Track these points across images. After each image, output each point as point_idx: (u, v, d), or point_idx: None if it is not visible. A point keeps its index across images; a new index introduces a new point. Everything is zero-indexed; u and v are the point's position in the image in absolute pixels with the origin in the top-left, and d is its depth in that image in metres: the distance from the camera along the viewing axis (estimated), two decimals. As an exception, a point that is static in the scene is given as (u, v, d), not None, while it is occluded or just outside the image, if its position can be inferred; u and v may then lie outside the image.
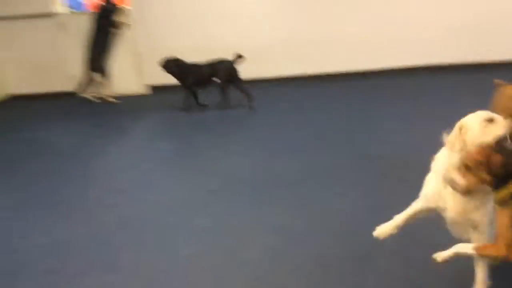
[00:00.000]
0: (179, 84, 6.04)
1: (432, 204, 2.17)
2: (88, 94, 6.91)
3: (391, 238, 2.29)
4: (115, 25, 6.61)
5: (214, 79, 5.84)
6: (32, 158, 4.77)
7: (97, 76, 6.64)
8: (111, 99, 6.73)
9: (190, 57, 6.82)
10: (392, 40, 6.78)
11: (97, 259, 2.86)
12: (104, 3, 6.56)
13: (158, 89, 7.20)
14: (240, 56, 5.75)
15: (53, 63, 7.11)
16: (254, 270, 2.63)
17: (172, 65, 5.87)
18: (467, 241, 2.09)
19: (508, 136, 1.99)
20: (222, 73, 5.75)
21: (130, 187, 3.89)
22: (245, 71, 7.11)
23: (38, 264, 2.85)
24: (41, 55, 7.12)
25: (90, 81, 6.77)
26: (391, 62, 6.87)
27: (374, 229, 2.31)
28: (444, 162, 2.09)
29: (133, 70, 7.13)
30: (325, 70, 6.98)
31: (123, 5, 7.04)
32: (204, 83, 5.94)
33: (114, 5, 6.61)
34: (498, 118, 2.02)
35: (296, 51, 6.98)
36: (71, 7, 7.46)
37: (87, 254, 2.93)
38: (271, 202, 3.41)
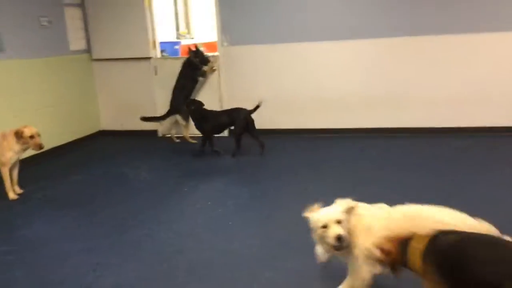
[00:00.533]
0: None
1: None
2: (171, 134, 7.23)
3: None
4: (202, 73, 6.94)
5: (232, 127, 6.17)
6: (109, 193, 4.99)
7: (180, 118, 6.91)
8: (190, 140, 6.95)
9: (271, 108, 6.97)
10: (478, 99, 6.47)
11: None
12: (193, 50, 6.89)
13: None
14: (258, 106, 6.00)
15: (142, 102, 7.52)
16: None
17: (196, 107, 6.15)
18: None
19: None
20: (239, 122, 5.99)
21: (202, 232, 3.91)
22: (325, 121, 7.12)
23: (108, 303, 2.90)
24: (133, 95, 7.57)
25: (173, 122, 7.08)
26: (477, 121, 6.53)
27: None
28: None
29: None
30: (402, 125, 6.79)
31: (211, 53, 7.38)
32: (220, 131, 6.29)
33: (202, 53, 6.93)
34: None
35: (373, 105, 6.88)
36: (165, 52, 7.95)
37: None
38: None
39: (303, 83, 7.05)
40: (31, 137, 4.74)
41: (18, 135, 4.74)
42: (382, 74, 6.80)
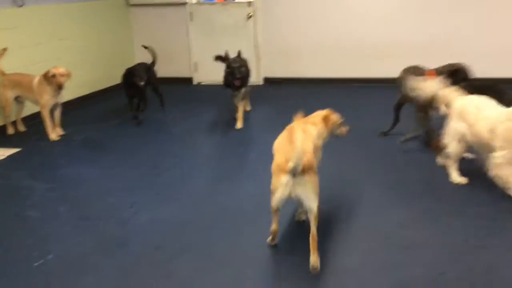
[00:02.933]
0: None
1: None
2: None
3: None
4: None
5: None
6: (146, 137, 5.12)
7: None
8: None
9: (307, 54, 6.86)
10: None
11: (195, 243, 2.98)
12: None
13: (270, 81, 7.34)
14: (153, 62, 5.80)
15: (178, 49, 7.53)
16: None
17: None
18: None
19: None
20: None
21: (235, 177, 3.99)
22: (367, 70, 6.95)
23: (145, 239, 3.05)
24: (168, 41, 7.57)
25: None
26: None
27: None
28: None
29: (252, 61, 7.29)
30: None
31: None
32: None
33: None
34: None
35: (417, 52, 6.64)
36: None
37: (188, 236, 3.07)
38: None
39: (343, 30, 6.86)
40: (53, 76, 4.85)
41: (46, 76, 4.87)
42: (428, 21, 6.52)
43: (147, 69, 5.59)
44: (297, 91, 6.72)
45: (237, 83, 5.19)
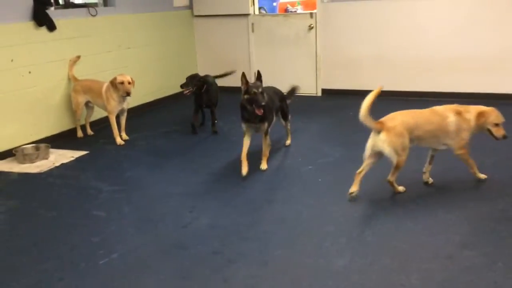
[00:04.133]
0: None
1: None
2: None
3: None
4: None
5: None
6: (206, 143, 5.25)
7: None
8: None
9: (370, 68, 6.78)
10: None
11: (252, 250, 3.02)
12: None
13: (328, 93, 7.31)
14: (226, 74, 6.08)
15: (238, 58, 7.67)
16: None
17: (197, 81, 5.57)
18: None
19: None
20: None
21: (291, 186, 4.01)
22: (426, 83, 6.78)
23: (203, 243, 3.13)
24: (229, 51, 7.74)
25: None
26: None
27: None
28: None
29: (311, 72, 7.32)
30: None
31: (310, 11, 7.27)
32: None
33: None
34: None
35: (484, 67, 6.39)
36: (263, 9, 7.97)
37: (244, 242, 3.12)
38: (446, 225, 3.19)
39: (406, 42, 6.72)
40: (121, 83, 5.08)
41: (113, 83, 5.11)
42: (499, 34, 6.26)
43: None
44: (355, 103, 6.59)
45: (258, 111, 4.10)
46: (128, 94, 5.10)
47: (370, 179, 3.75)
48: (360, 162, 3.70)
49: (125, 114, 5.42)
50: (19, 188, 4.24)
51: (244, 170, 4.15)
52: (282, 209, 3.59)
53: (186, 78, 5.56)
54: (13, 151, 4.86)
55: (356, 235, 3.14)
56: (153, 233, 3.30)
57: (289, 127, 5.08)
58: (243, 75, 4.14)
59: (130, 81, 5.11)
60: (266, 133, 4.39)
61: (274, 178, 4.24)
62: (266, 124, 4.31)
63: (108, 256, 3.02)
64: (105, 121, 5.48)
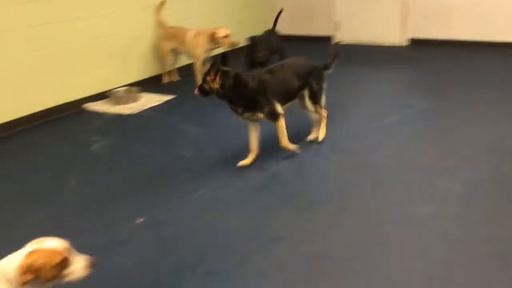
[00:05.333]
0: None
1: None
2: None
3: None
4: None
5: None
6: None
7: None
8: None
9: (463, 13, 6.35)
10: None
11: (334, 194, 3.09)
12: None
13: (415, 43, 6.96)
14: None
15: (320, 7, 7.48)
16: (495, 248, 2.44)
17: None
18: None
19: None
20: None
21: (376, 135, 3.97)
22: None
23: (288, 185, 3.22)
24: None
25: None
26: None
27: None
28: None
29: (396, 20, 6.99)
30: None
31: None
32: None
33: None
34: None
35: None
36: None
37: (327, 186, 3.19)
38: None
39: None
40: (225, 37, 5.17)
41: (213, 36, 5.21)
42: None
43: (278, 38, 5.59)
44: (445, 54, 6.30)
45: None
46: (234, 45, 5.18)
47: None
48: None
49: (209, 62, 5.53)
50: (113, 127, 4.56)
51: (245, 161, 3.54)
52: (367, 157, 3.58)
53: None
54: (107, 94, 5.18)
55: (443, 185, 3.08)
56: (238, 174, 3.44)
57: (322, 113, 3.81)
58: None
59: (229, 34, 5.21)
60: (273, 120, 3.50)
61: (358, 126, 4.21)
62: (258, 114, 3.45)
63: (196, 192, 3.21)
64: (190, 68, 5.64)
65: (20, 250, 1.64)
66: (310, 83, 3.70)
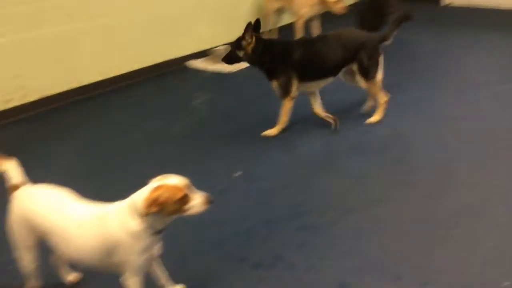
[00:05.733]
0: None
1: None
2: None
3: None
4: None
5: None
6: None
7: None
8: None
9: None
10: None
11: (433, 161, 2.94)
12: None
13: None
14: None
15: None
16: None
17: None
18: None
19: None
20: None
21: (482, 104, 3.74)
22: None
23: (384, 149, 3.12)
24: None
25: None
26: None
27: None
28: None
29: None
30: None
31: None
32: None
33: None
34: None
35: None
36: None
37: (428, 151, 3.04)
38: None
39: None
40: (336, 2, 5.04)
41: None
42: None
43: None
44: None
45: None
46: (343, 11, 5.05)
47: None
48: None
49: (318, 20, 5.44)
50: (213, 84, 4.68)
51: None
52: (467, 126, 3.40)
53: None
54: (208, 52, 5.30)
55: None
56: (333, 134, 3.40)
57: (379, 97, 3.48)
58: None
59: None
60: (281, 96, 3.41)
61: (468, 95, 3.94)
62: (274, 82, 3.39)
63: (294, 148, 3.26)
64: (291, 26, 5.56)
65: (146, 186, 1.75)
66: (359, 57, 3.36)
